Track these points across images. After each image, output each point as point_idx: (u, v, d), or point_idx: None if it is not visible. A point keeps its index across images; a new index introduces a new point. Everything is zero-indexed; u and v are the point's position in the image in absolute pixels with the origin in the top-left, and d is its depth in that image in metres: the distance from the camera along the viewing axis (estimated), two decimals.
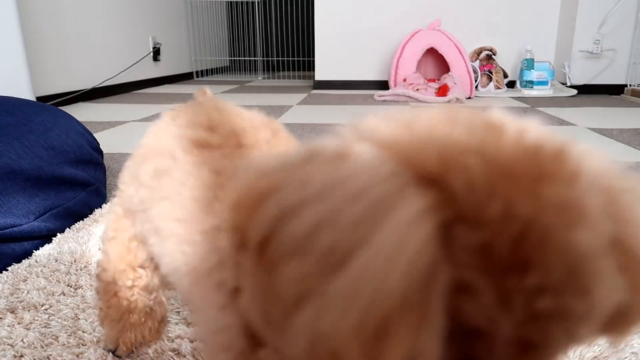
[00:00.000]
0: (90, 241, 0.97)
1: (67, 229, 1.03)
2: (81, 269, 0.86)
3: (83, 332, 0.69)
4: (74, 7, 3.00)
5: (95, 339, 0.67)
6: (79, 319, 0.72)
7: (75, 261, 0.89)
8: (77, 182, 1.09)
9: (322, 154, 0.22)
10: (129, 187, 0.51)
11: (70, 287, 0.81)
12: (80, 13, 3.07)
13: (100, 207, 1.16)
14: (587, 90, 3.46)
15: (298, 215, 0.20)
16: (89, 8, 3.16)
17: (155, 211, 0.43)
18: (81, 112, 2.62)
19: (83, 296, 0.78)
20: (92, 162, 1.19)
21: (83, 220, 1.08)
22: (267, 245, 0.20)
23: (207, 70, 5.02)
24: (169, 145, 0.44)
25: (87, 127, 1.35)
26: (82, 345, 0.66)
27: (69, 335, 0.68)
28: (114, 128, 2.21)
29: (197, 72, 4.87)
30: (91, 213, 1.12)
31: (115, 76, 3.39)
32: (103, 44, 3.30)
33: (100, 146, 1.35)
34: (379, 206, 0.19)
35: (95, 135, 1.40)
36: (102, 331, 0.67)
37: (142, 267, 0.57)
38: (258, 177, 0.23)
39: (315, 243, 0.19)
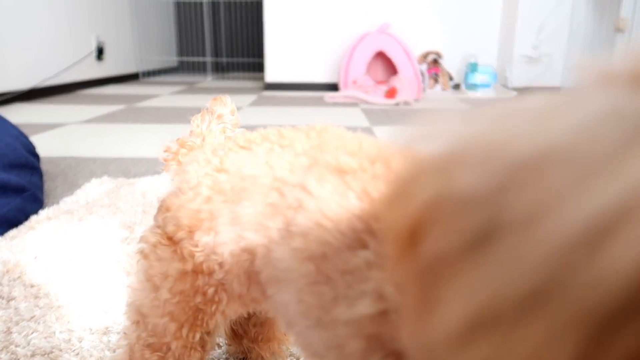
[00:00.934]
0: (24, 250, 0.92)
1: (0, 237, 0.98)
2: (14, 280, 0.82)
3: (16, 346, 0.65)
4: (9, 0, 2.85)
5: (29, 353, 0.64)
6: (11, 332, 0.68)
7: (7, 271, 0.84)
8: (11, 187, 1.03)
9: (527, 107, 0.16)
10: (212, 235, 0.42)
11: (3, 298, 0.76)
12: (17, 7, 2.91)
13: (37, 213, 1.10)
14: (526, 93, 3.62)
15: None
16: (26, 2, 3.00)
17: (277, 254, 0.37)
18: (18, 114, 2.49)
19: (16, 308, 0.74)
20: (28, 167, 1.13)
21: (17, 227, 1.03)
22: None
23: (154, 70, 4.89)
24: (290, 176, 0.38)
25: (24, 130, 1.28)
26: None
27: (1, 350, 0.64)
28: (53, 130, 2.11)
29: (143, 72, 4.73)
30: (26, 220, 1.06)
31: (55, 76, 3.24)
32: (42, 41, 3.15)
33: (38, 150, 1.28)
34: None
35: (33, 138, 1.34)
36: (36, 344, 0.64)
37: (209, 334, 0.47)
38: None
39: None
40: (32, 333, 0.68)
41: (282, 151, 0.41)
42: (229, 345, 0.67)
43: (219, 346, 0.68)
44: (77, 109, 2.75)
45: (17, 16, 2.93)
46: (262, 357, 0.66)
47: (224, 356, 0.67)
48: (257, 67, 5.26)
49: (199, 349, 0.47)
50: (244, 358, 0.66)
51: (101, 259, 0.90)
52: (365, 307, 0.29)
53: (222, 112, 0.53)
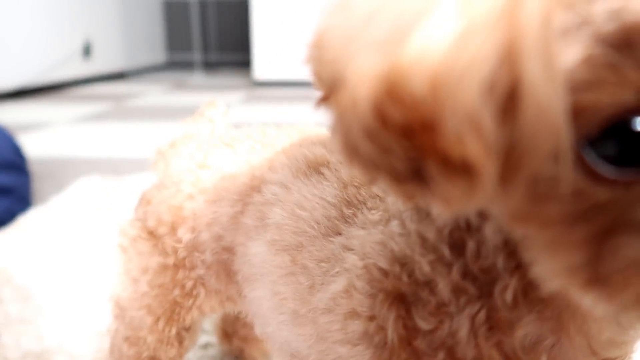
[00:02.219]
0: (13, 251, 0.91)
1: None
2: (3, 282, 0.81)
3: (6, 349, 0.65)
4: None
5: (20, 356, 0.63)
6: (1, 335, 0.67)
7: None
8: None
9: None
10: (195, 234, 0.42)
11: None
12: (2, 5, 2.87)
13: (25, 214, 1.09)
14: None
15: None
16: (12, 0, 2.96)
17: (253, 249, 0.37)
18: (3, 114, 2.46)
19: (6, 311, 0.73)
20: (14, 168, 1.12)
21: (5, 229, 1.01)
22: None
23: (142, 68, 4.85)
24: (269, 174, 0.38)
25: (10, 130, 1.26)
26: None
27: None
28: (41, 130, 2.09)
29: (131, 70, 4.69)
30: (13, 221, 1.05)
31: (42, 75, 3.20)
32: (29, 40, 3.11)
33: (26, 150, 1.27)
34: None
35: (19, 138, 1.32)
36: (26, 345, 0.64)
37: (187, 330, 0.47)
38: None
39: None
40: (22, 336, 0.67)
41: (262, 149, 0.42)
42: (222, 345, 0.67)
43: (213, 347, 0.68)
44: (65, 108, 2.72)
45: (1, 15, 2.89)
46: (252, 358, 0.65)
47: (219, 355, 0.67)
48: (248, 63, 5.24)
49: (176, 344, 0.47)
50: (237, 357, 0.66)
51: (91, 259, 0.89)
52: (338, 284, 0.29)
53: (213, 115, 0.53)
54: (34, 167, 1.34)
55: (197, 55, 5.15)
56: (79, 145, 1.82)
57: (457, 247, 0.26)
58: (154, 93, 3.45)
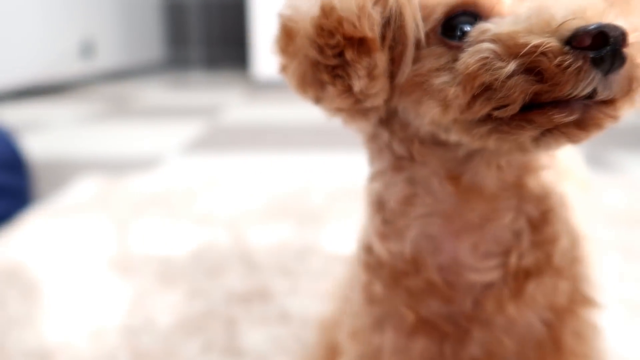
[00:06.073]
0: (15, 250, 0.91)
1: None
2: (5, 281, 0.81)
3: (9, 348, 0.65)
4: None
5: (22, 355, 0.63)
6: (3, 334, 0.67)
7: None
8: None
9: None
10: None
11: None
12: (3, 4, 2.87)
13: (26, 213, 1.09)
14: None
15: None
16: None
17: None
18: (5, 114, 2.46)
19: (8, 309, 0.73)
20: (15, 168, 1.12)
21: (6, 228, 1.01)
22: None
23: (143, 67, 4.85)
24: None
25: (12, 129, 1.27)
26: None
27: None
28: (42, 130, 2.08)
29: (132, 69, 4.69)
30: (12, 220, 1.05)
31: (43, 74, 3.20)
32: (30, 39, 3.11)
33: (27, 149, 1.27)
34: None
35: (21, 137, 1.32)
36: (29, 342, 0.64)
37: None
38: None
39: None
40: (24, 334, 0.67)
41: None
42: None
43: (216, 346, 0.67)
44: (66, 107, 2.72)
45: (2, 16, 2.88)
46: None
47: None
48: (249, 61, 5.23)
49: None
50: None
51: (93, 258, 0.89)
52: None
53: None
54: (34, 166, 1.34)
55: (197, 54, 5.14)
56: (79, 144, 1.82)
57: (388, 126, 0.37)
58: (154, 92, 3.45)
